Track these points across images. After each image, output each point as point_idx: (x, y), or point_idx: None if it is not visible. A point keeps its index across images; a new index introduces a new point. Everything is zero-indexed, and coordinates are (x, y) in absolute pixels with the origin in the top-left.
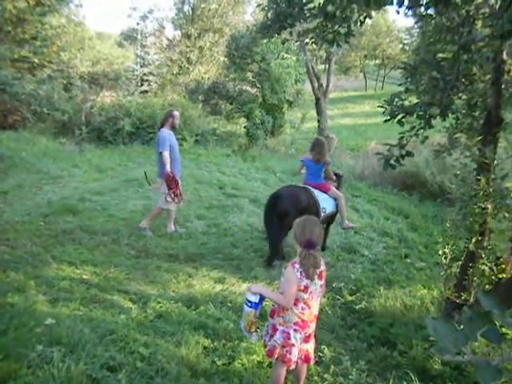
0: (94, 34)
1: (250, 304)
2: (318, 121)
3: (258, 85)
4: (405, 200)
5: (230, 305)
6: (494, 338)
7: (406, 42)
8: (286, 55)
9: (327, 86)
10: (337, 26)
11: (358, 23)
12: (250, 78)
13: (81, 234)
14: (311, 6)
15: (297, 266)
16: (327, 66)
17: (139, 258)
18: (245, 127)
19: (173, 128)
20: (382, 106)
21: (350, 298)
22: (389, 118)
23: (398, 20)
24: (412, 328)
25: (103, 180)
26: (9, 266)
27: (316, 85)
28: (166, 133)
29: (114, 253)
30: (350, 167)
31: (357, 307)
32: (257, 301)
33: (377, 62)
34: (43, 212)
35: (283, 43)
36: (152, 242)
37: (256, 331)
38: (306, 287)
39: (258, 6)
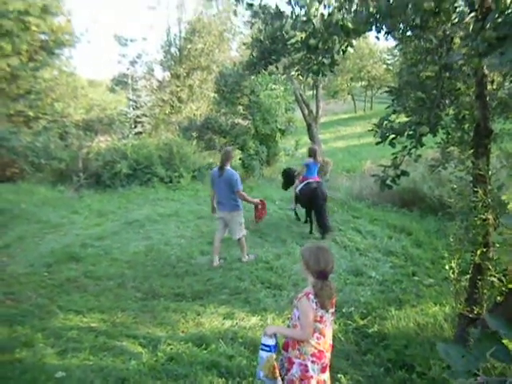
0: (85, 82)
1: (268, 348)
2: None
3: (250, 117)
4: (406, 217)
5: (240, 340)
6: (503, 357)
7: (389, 62)
8: (274, 86)
9: (317, 111)
10: (320, 58)
11: (341, 52)
12: (241, 110)
13: (85, 280)
14: (293, 40)
15: (311, 296)
16: (315, 92)
17: (146, 300)
18: (240, 159)
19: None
20: (372, 130)
21: (361, 322)
22: (380, 140)
23: (380, 42)
24: (428, 347)
25: (104, 224)
26: (15, 320)
27: (306, 111)
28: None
29: (120, 297)
30: (348, 188)
31: (370, 331)
32: (274, 343)
33: (363, 83)
34: (46, 262)
35: (270, 75)
36: (157, 283)
37: (280, 375)
38: (322, 317)
39: (244, 44)
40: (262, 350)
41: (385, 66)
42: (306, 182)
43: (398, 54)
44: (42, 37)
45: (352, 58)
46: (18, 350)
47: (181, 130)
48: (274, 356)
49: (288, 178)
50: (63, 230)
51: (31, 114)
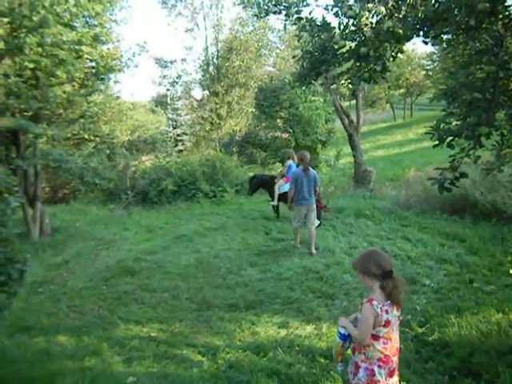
0: (130, 105)
1: (339, 335)
2: (354, 156)
3: (290, 129)
4: (457, 224)
5: (297, 349)
6: None
7: (428, 67)
8: (313, 98)
9: (358, 121)
10: (372, 65)
11: (391, 59)
12: (281, 124)
13: (141, 293)
14: (343, 50)
15: (375, 302)
16: (355, 102)
17: (201, 311)
18: (281, 171)
19: None
20: (429, 132)
21: (420, 330)
22: (437, 142)
23: (418, 48)
24: (494, 355)
25: (154, 239)
26: (81, 331)
27: (346, 121)
28: None
29: (176, 308)
30: (394, 197)
31: (429, 339)
32: (345, 333)
33: (401, 91)
34: (104, 276)
35: (309, 88)
36: (210, 294)
37: (342, 362)
38: (388, 322)
39: (294, 57)
40: (337, 334)
41: (424, 72)
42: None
43: (437, 59)
44: (93, 63)
45: (389, 66)
46: (87, 358)
47: (222, 146)
48: (341, 344)
49: (258, 183)
50: (116, 246)
51: (86, 136)
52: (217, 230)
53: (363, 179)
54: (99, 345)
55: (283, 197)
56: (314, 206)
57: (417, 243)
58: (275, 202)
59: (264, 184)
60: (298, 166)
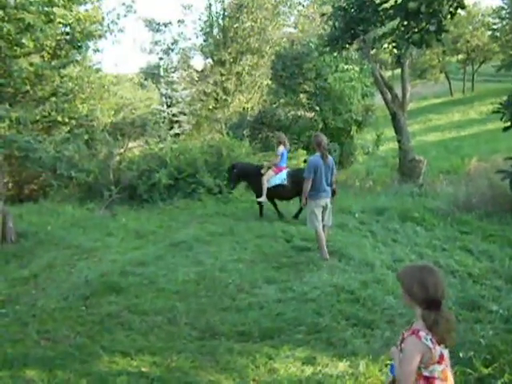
0: (113, 78)
1: (390, 368)
2: (399, 141)
3: (316, 107)
4: None
5: None
6: None
7: (495, 27)
8: (346, 66)
9: (403, 95)
10: (424, 24)
11: (449, 16)
12: (305, 100)
13: (129, 316)
14: (387, 5)
15: (423, 334)
16: (400, 71)
17: (204, 340)
18: (305, 161)
19: None
20: (497, 111)
21: (485, 371)
22: (509, 124)
23: (482, 1)
24: None
25: (144, 247)
26: (54, 363)
27: (389, 96)
28: None
29: (172, 336)
30: (451, 195)
31: (498, 383)
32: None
33: (460, 57)
34: (82, 294)
35: (341, 54)
36: (216, 318)
37: None
38: (442, 356)
39: (322, 15)
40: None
41: (489, 33)
42: (286, 171)
43: (506, 16)
44: (67, 29)
45: (446, 25)
46: None
47: (229, 129)
48: (391, 377)
49: (239, 174)
50: (97, 256)
51: (59, 118)
52: (223, 236)
53: (410, 171)
54: (77, 382)
55: (274, 192)
56: (331, 199)
57: (480, 256)
58: (264, 199)
59: (246, 175)
60: (286, 152)
